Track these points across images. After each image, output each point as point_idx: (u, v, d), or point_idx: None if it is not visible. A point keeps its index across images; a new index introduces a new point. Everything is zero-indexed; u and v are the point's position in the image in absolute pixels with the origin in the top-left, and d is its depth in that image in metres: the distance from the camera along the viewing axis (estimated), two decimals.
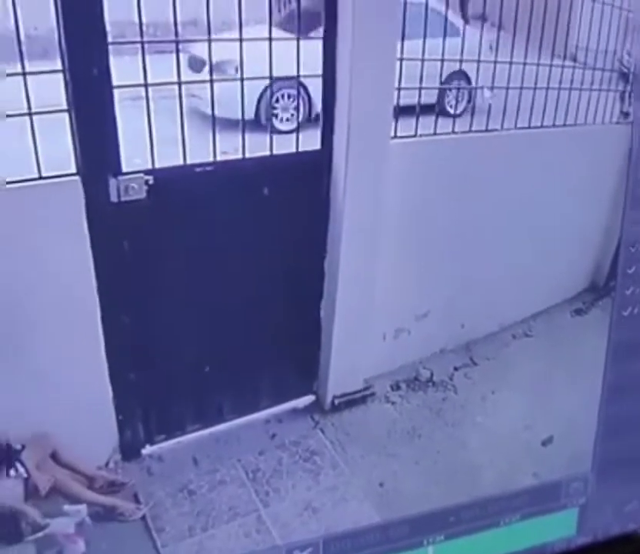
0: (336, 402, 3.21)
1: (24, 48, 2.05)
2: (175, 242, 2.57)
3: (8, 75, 2.07)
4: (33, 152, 2.20)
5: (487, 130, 3.04)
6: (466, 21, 2.97)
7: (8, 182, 2.20)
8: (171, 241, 2.56)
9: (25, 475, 2.53)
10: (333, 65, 2.55)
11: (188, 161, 2.46)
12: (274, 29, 2.40)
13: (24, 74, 2.09)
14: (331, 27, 2.50)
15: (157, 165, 2.40)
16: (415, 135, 2.86)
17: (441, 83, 2.88)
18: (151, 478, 2.91)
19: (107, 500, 2.72)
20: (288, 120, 2.71)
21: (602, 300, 3.48)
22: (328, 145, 2.70)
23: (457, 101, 3.09)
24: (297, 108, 2.65)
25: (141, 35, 2.22)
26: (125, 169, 2.34)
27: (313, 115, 2.77)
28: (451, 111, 3.08)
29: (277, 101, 2.61)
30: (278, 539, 2.79)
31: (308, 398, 3.24)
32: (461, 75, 2.96)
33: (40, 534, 2.47)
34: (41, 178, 2.23)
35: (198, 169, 2.49)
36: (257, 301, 2.83)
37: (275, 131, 2.63)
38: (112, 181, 2.33)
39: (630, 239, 2.76)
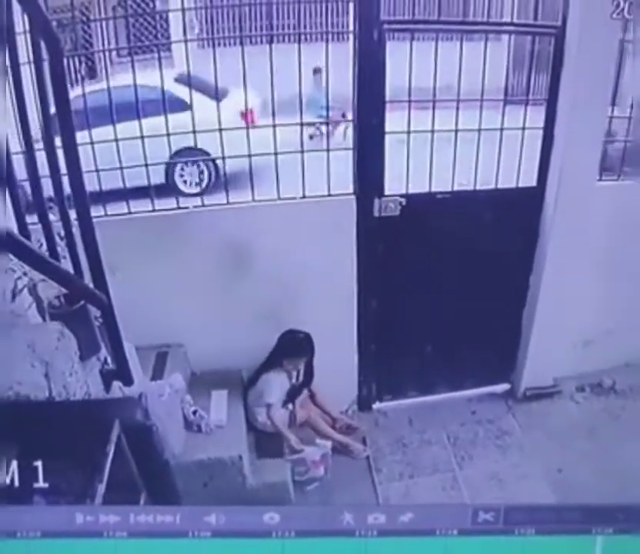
0: (528, 393, 3.62)
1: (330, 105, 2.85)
2: (417, 250, 3.16)
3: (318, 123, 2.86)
4: (326, 177, 2.99)
5: None
6: None
7: (307, 197, 3.02)
8: (415, 249, 3.15)
9: (291, 408, 3.29)
10: (553, 121, 3.02)
11: (433, 189, 3.09)
12: None
13: (327, 123, 2.89)
14: (554, 90, 2.99)
15: (409, 191, 3.06)
16: (617, 179, 3.25)
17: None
18: (376, 428, 3.51)
19: (343, 439, 3.36)
20: None
21: None
22: (542, 183, 3.15)
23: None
24: None
25: (409, 96, 2.92)
26: (386, 193, 3.02)
27: None
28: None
29: None
30: (467, 498, 3.19)
31: (505, 386, 3.68)
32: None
33: (295, 456, 3.15)
34: (329, 195, 3.01)
35: (438, 196, 3.11)
36: (472, 301, 3.32)
37: None
38: (376, 201, 3.00)
39: None
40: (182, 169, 4.31)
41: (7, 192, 1.78)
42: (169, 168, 3.93)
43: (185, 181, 4.39)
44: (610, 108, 3.08)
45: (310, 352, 3.20)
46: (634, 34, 2.89)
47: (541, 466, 3.35)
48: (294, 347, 3.19)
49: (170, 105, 2.84)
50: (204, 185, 4.48)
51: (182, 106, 3.02)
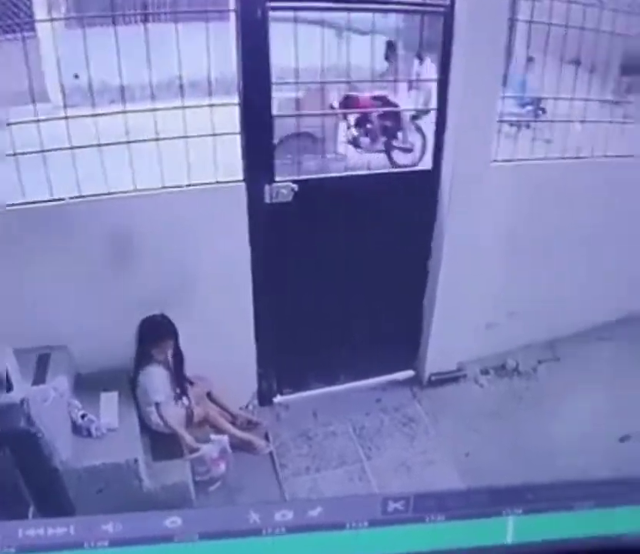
0: (432, 378, 3.70)
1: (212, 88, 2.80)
2: (313, 236, 3.17)
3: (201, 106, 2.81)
4: (213, 163, 2.93)
5: (577, 157, 3.46)
6: None
7: (193, 184, 2.96)
8: (310, 236, 3.17)
9: (187, 404, 3.23)
10: (444, 101, 3.08)
11: (326, 174, 3.12)
12: None
13: (211, 106, 2.83)
14: (445, 71, 3.03)
15: (301, 176, 3.05)
16: (511, 160, 3.34)
17: None
18: (279, 422, 3.51)
19: (244, 435, 3.34)
20: None
21: None
22: (437, 166, 3.21)
23: None
24: None
25: (297, 77, 2.90)
26: (277, 179, 3.01)
27: None
28: None
29: None
30: (376, 488, 3.23)
31: (409, 373, 3.73)
32: None
33: (193, 456, 3.11)
34: (218, 182, 2.96)
35: (333, 180, 3.13)
36: (371, 289, 3.36)
37: None
38: (267, 188, 2.99)
39: None
40: None
41: None
42: None
43: None
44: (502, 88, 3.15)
45: (172, 331, 3.14)
46: None
47: (448, 452, 3.42)
48: (154, 331, 3.13)
49: None
50: None
51: None
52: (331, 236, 3.21)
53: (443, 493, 3.22)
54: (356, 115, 3.04)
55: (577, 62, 3.24)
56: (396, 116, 3.14)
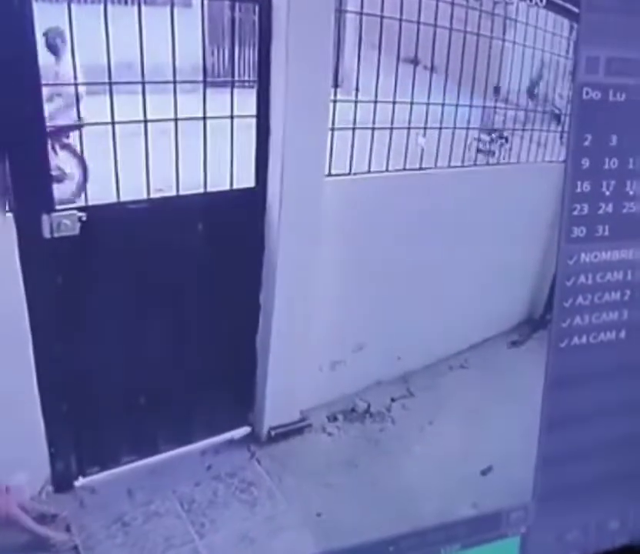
0: (272, 433, 3.29)
1: None
2: (110, 277, 2.64)
3: None
4: None
5: (420, 169, 3.21)
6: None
7: None
8: (107, 276, 2.64)
9: None
10: (267, 107, 2.70)
11: (122, 199, 2.56)
12: None
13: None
14: (265, 70, 2.65)
15: (91, 202, 2.50)
16: (349, 173, 3.01)
17: None
18: (83, 510, 2.93)
19: (39, 530, 2.75)
20: None
21: (539, 332, 3.59)
22: (262, 183, 2.83)
23: None
24: None
25: (75, 77, 2.35)
26: (57, 206, 2.43)
27: None
28: None
29: None
30: None
31: (244, 430, 3.29)
32: None
33: None
34: None
35: (131, 206, 2.60)
36: (192, 335, 2.92)
37: None
38: (45, 218, 2.41)
39: (565, 273, 2.88)
40: None
41: None
42: None
43: None
44: (333, 90, 2.82)
45: None
46: None
47: (298, 514, 3.10)
48: None
49: None
50: None
51: None
52: (135, 274, 2.70)
53: None
54: None
55: (414, 61, 2.97)
56: None
